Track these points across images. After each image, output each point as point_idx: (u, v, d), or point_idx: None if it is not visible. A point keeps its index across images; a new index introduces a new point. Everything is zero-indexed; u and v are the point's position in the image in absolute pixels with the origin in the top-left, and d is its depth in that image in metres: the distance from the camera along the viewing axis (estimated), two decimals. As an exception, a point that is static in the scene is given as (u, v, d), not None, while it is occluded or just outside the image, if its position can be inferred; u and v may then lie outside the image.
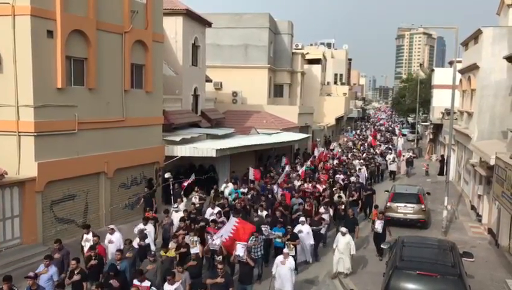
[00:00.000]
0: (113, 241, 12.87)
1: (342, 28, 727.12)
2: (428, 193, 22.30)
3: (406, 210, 19.34)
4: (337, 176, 24.77)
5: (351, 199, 20.06)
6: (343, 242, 13.78)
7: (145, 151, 19.22)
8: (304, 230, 14.46)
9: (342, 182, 22.82)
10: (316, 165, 28.28)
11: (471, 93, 23.81)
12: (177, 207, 16.28)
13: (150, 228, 14.03)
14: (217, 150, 20.62)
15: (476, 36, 23.01)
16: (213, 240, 12.61)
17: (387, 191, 22.26)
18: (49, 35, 14.45)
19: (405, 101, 66.86)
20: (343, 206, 17.94)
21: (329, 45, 76.99)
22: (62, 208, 15.46)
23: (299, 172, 24.28)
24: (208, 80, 30.81)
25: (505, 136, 18.79)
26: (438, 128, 42.08)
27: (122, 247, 12.24)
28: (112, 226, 13.56)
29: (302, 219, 14.86)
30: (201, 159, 22.84)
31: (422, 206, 19.45)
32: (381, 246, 14.42)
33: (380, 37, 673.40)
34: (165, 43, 21.91)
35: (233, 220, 12.95)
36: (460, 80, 26.62)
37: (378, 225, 15.62)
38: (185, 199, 17.77)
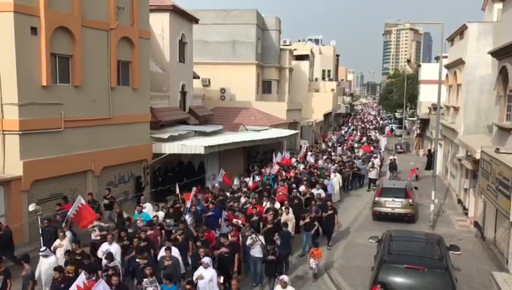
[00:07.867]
0: None
1: (330, 24, 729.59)
2: (416, 188, 22.56)
3: (393, 204, 19.50)
4: (300, 188, 19.23)
5: (302, 222, 15.24)
6: None
7: (133, 149, 19.08)
8: (206, 276, 10.11)
9: (302, 196, 18.00)
10: (276, 174, 22.30)
11: (457, 88, 24.01)
12: (45, 250, 11.00)
13: None
14: (205, 147, 20.53)
15: (461, 31, 23.19)
16: None
17: (375, 187, 22.37)
18: (33, 32, 14.24)
19: (392, 97, 67.34)
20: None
21: (317, 41, 77.37)
22: (49, 207, 15.21)
23: (249, 184, 19.60)
24: (196, 77, 30.70)
25: (490, 131, 18.98)
26: (425, 123, 42.41)
27: None
28: None
29: (205, 259, 10.45)
30: (189, 157, 22.76)
31: (410, 201, 19.61)
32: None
33: (367, 33, 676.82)
34: (151, 40, 21.75)
35: (82, 278, 9.07)
36: (447, 75, 26.81)
37: None
38: (68, 234, 12.28)
